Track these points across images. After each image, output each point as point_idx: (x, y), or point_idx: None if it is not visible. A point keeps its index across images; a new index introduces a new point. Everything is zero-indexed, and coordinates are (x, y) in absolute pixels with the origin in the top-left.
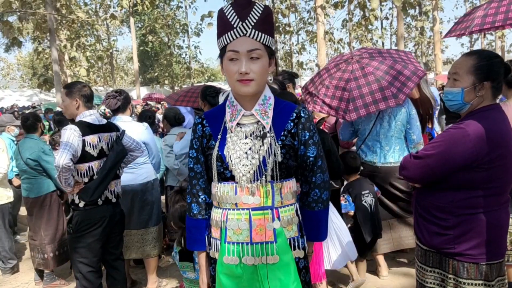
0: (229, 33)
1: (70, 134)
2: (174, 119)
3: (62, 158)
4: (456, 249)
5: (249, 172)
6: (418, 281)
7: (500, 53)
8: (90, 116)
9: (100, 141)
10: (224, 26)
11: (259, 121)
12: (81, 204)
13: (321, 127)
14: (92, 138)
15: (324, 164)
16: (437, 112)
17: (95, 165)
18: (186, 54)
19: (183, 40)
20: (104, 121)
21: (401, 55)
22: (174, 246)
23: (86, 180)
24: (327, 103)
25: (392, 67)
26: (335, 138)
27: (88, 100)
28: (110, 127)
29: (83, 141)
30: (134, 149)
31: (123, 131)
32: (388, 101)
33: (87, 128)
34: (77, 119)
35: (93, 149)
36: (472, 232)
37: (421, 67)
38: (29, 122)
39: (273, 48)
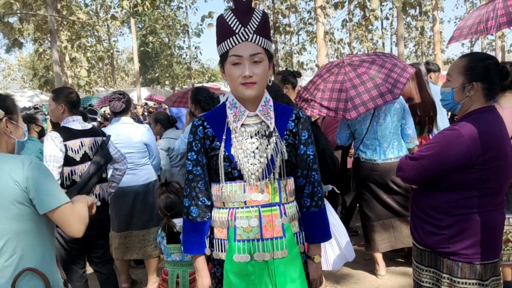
0: (231, 39)
1: (51, 145)
2: (168, 121)
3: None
4: (451, 249)
5: (257, 170)
6: (414, 281)
7: (500, 53)
8: (73, 122)
9: (82, 146)
10: (225, 32)
11: (262, 121)
12: None
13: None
14: (74, 143)
15: (318, 163)
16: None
17: (78, 169)
18: (186, 55)
19: (184, 41)
20: (88, 126)
21: (388, 56)
22: (159, 232)
23: (68, 183)
24: (325, 106)
25: (383, 66)
26: None
27: (74, 107)
28: (95, 132)
29: (65, 146)
30: (117, 160)
31: (109, 136)
32: (385, 97)
33: (69, 133)
34: (61, 124)
35: (75, 153)
36: (466, 232)
37: (408, 66)
38: None
39: (271, 51)
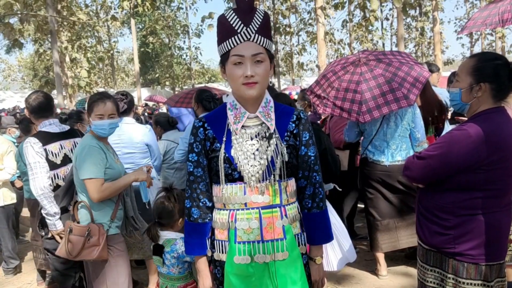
0: (232, 38)
1: (32, 152)
2: (168, 123)
3: (39, 182)
4: (457, 249)
5: (258, 172)
6: (419, 280)
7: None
8: (50, 125)
9: (62, 148)
10: (226, 32)
11: (263, 123)
12: None
13: (324, 127)
14: (53, 146)
15: (319, 164)
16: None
17: (61, 172)
18: (186, 55)
19: (184, 41)
20: (66, 127)
21: (404, 56)
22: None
23: (52, 187)
24: (338, 106)
25: (400, 68)
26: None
27: (46, 110)
28: (73, 133)
29: (45, 150)
30: None
31: None
32: (400, 102)
33: (47, 137)
34: (37, 129)
35: (55, 157)
36: (472, 232)
37: (425, 68)
38: (22, 125)
39: (272, 51)
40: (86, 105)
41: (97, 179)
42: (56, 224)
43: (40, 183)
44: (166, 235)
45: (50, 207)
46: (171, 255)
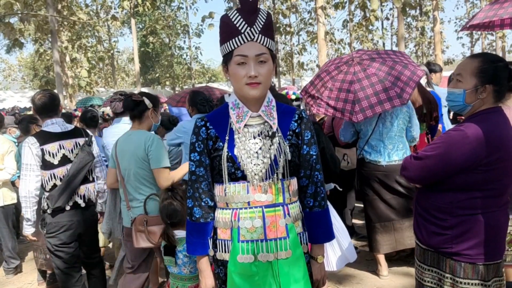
0: (236, 38)
1: (28, 153)
2: (168, 122)
3: (27, 185)
4: (454, 249)
5: (261, 171)
6: (417, 280)
7: (500, 54)
8: (52, 125)
9: (61, 148)
10: (230, 32)
11: (265, 121)
12: (49, 210)
13: (322, 126)
14: (52, 146)
15: (320, 163)
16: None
17: (58, 172)
18: (187, 55)
19: (184, 41)
20: (70, 127)
21: (398, 55)
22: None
23: (50, 187)
24: (331, 106)
25: (393, 67)
26: (332, 138)
27: (49, 110)
28: (76, 133)
29: (42, 150)
30: (96, 164)
31: (91, 137)
32: (393, 101)
33: (46, 137)
34: (41, 128)
35: (53, 157)
36: (470, 232)
37: (419, 66)
38: (21, 125)
39: (274, 51)
40: (147, 103)
41: (167, 168)
42: (26, 228)
43: (27, 186)
44: (178, 234)
45: (26, 212)
46: (184, 253)
